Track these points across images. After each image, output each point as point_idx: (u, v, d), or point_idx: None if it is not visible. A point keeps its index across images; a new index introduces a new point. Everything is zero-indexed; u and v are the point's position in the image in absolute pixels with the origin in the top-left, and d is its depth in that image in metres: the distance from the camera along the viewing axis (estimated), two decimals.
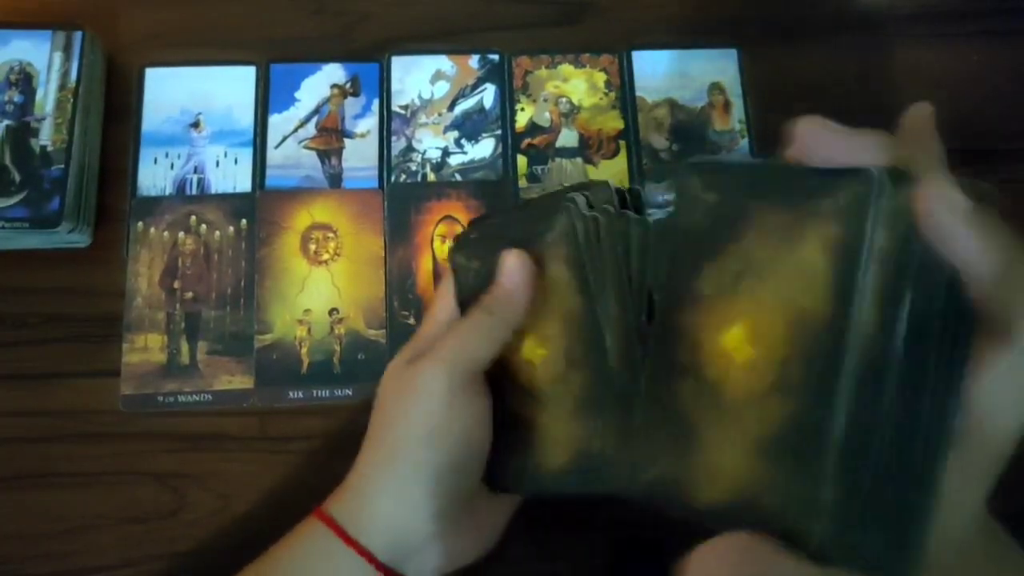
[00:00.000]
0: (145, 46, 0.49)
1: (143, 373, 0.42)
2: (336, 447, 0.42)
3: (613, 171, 0.47)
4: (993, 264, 0.24)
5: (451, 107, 0.49)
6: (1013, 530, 0.27)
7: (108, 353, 0.43)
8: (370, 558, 0.31)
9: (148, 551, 0.40)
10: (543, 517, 0.37)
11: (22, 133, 0.44)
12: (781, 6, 0.51)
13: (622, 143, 0.48)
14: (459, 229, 0.46)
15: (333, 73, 0.49)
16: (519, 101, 0.49)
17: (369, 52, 0.49)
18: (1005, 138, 0.49)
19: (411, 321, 0.44)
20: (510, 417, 0.34)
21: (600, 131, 0.48)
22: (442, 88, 0.49)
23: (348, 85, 0.49)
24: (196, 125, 0.47)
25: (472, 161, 0.48)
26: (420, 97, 0.49)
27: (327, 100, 0.48)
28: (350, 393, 0.43)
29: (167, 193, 0.46)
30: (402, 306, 0.44)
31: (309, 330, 0.44)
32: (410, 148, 0.48)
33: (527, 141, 0.48)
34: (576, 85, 0.49)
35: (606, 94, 0.49)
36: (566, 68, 0.50)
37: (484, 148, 0.48)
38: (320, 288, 0.44)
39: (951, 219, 0.24)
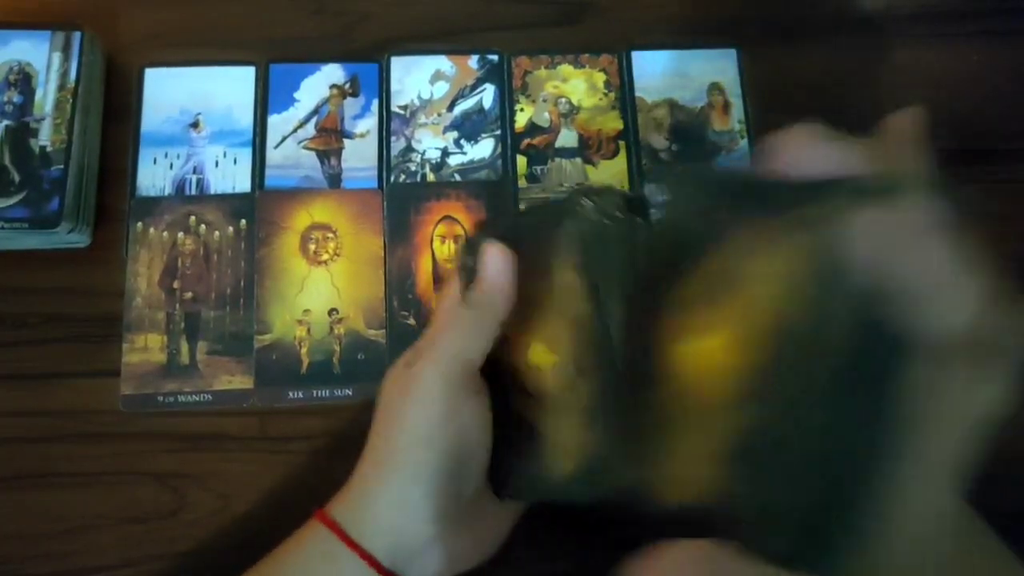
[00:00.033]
0: (145, 46, 0.49)
1: (143, 373, 0.43)
2: (336, 447, 0.42)
3: (613, 171, 0.47)
4: (927, 282, 0.24)
5: (450, 107, 0.49)
6: (1009, 529, 0.27)
7: (108, 353, 0.43)
8: (372, 561, 0.31)
9: (148, 551, 0.40)
10: (544, 517, 0.37)
11: (21, 133, 0.44)
12: (781, 6, 0.51)
13: (622, 143, 0.48)
14: (459, 229, 0.46)
15: (332, 73, 0.49)
16: (518, 101, 0.49)
17: (369, 52, 0.49)
18: (1005, 138, 0.49)
19: (411, 321, 0.44)
20: (515, 423, 0.34)
21: (600, 131, 0.48)
22: (441, 88, 0.49)
23: (347, 85, 0.49)
24: (195, 125, 0.47)
25: (472, 161, 0.48)
26: (419, 97, 0.49)
27: (326, 100, 0.48)
28: (350, 393, 0.43)
29: (166, 193, 0.46)
30: (402, 306, 0.44)
31: (309, 330, 0.44)
32: (409, 148, 0.48)
33: (526, 141, 0.48)
34: (576, 85, 0.49)
35: (606, 94, 0.49)
36: (566, 68, 0.50)
37: (483, 148, 0.48)
38: (320, 288, 0.44)
39: (882, 242, 0.24)
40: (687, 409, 0.27)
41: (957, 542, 0.26)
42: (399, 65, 0.49)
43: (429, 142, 0.48)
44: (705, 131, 0.48)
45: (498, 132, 0.48)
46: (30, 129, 0.44)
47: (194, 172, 0.46)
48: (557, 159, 0.48)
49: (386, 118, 0.48)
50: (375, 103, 0.48)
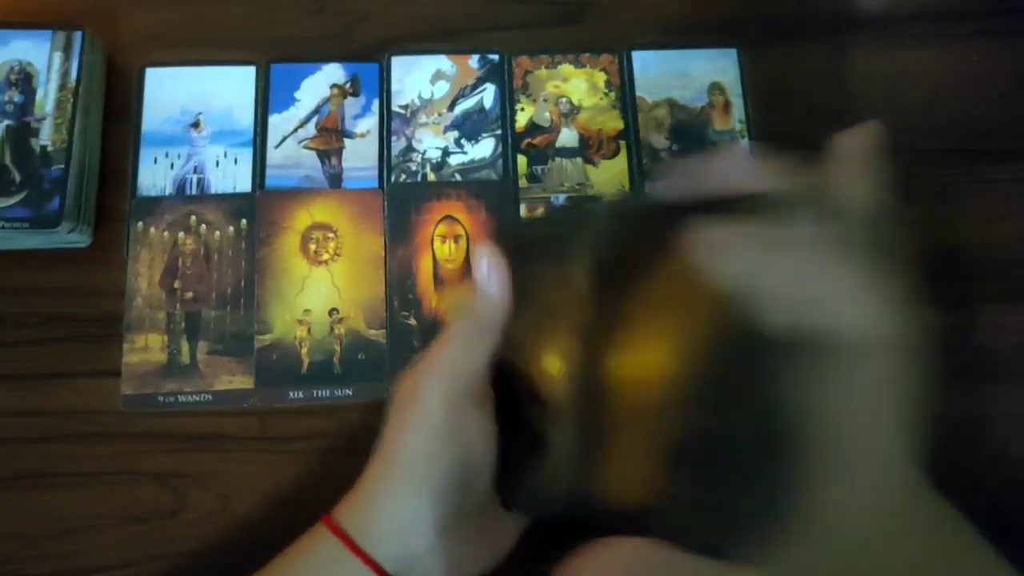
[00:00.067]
0: (145, 46, 0.49)
1: (143, 373, 0.42)
2: (336, 447, 0.42)
3: (613, 171, 0.47)
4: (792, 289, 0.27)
5: (451, 107, 0.49)
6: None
7: (108, 353, 0.43)
8: (377, 568, 0.31)
9: (148, 551, 0.40)
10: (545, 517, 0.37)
11: (22, 133, 0.44)
12: (781, 6, 0.51)
13: (622, 143, 0.48)
14: (459, 229, 0.46)
15: (333, 73, 0.49)
16: (519, 101, 0.49)
17: (369, 52, 0.49)
18: (1005, 138, 0.49)
19: (411, 321, 0.44)
20: (527, 433, 0.34)
21: (600, 131, 0.48)
22: (442, 88, 0.49)
23: (348, 85, 0.49)
24: (196, 125, 0.47)
25: (472, 161, 0.48)
26: (420, 97, 0.49)
27: (327, 100, 0.48)
28: (350, 393, 0.43)
29: (167, 193, 0.46)
30: (402, 306, 0.44)
31: (309, 330, 0.44)
32: (410, 148, 0.48)
33: (527, 141, 0.48)
34: (576, 85, 0.49)
35: (606, 94, 0.49)
36: (566, 68, 0.50)
37: (484, 148, 0.48)
38: (320, 288, 0.44)
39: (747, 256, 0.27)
40: (628, 416, 0.30)
41: (920, 532, 0.27)
42: (399, 65, 0.49)
43: (430, 142, 0.48)
44: (705, 131, 0.48)
45: (499, 132, 0.48)
46: (31, 129, 0.44)
47: (195, 172, 0.46)
48: (558, 159, 0.48)
49: (387, 118, 0.48)
50: (376, 103, 0.48)
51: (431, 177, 0.47)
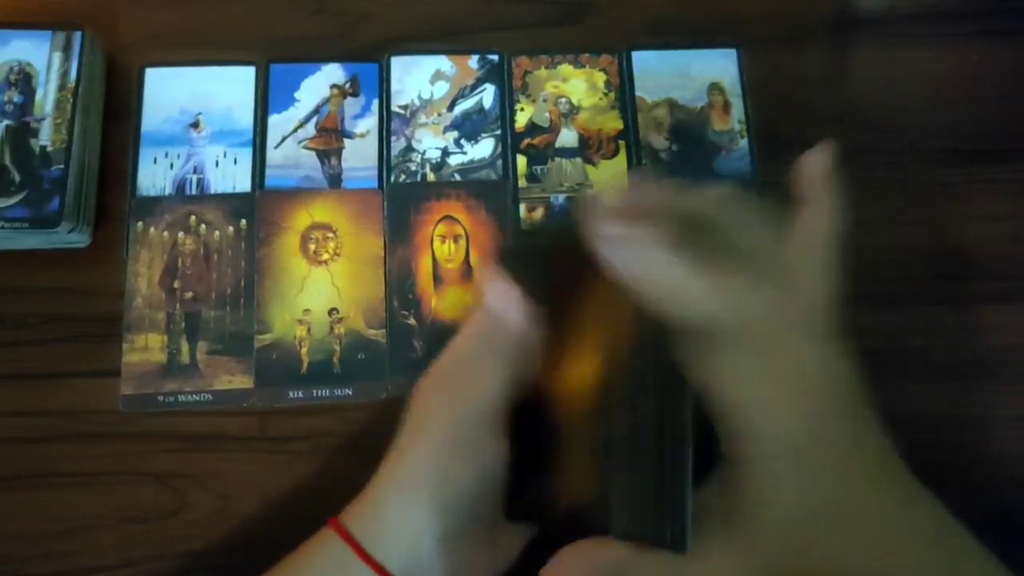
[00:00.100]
0: (145, 46, 0.49)
1: (143, 373, 0.43)
2: (336, 447, 0.42)
3: (613, 171, 0.47)
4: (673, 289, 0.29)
5: (451, 107, 0.49)
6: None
7: (108, 353, 0.43)
8: (384, 574, 0.31)
9: (148, 551, 0.40)
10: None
11: (22, 133, 0.44)
12: (781, 6, 0.51)
13: (622, 143, 0.48)
14: (459, 229, 0.46)
15: (333, 73, 0.49)
16: (519, 101, 0.49)
17: (369, 52, 0.49)
18: (1005, 138, 0.49)
19: (411, 321, 0.44)
20: (542, 447, 0.34)
21: (600, 131, 0.48)
22: (442, 88, 0.49)
23: (348, 85, 0.49)
24: (196, 125, 0.47)
25: (472, 161, 0.48)
26: (420, 97, 0.49)
27: (327, 100, 0.48)
28: (350, 393, 0.43)
29: (167, 193, 0.46)
30: (402, 306, 0.44)
31: (309, 330, 0.44)
32: (410, 148, 0.48)
33: (527, 141, 0.48)
34: (576, 85, 0.49)
35: (606, 94, 0.49)
36: (566, 68, 0.50)
37: (484, 148, 0.48)
38: (320, 288, 0.44)
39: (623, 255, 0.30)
40: (570, 424, 0.32)
41: (876, 508, 0.27)
42: (399, 65, 0.49)
43: (429, 142, 0.48)
44: (705, 131, 0.48)
45: (498, 132, 0.48)
46: (30, 129, 0.44)
47: (194, 172, 0.46)
48: (557, 159, 0.48)
49: (386, 118, 0.48)
50: (375, 103, 0.48)
51: (431, 177, 0.47)
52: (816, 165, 0.32)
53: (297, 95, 0.48)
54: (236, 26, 0.50)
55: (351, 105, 0.48)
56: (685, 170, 0.47)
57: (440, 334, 0.43)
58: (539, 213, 0.46)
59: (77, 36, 0.46)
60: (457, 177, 0.47)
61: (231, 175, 0.46)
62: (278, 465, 0.42)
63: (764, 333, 0.28)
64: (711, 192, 0.32)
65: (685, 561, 0.27)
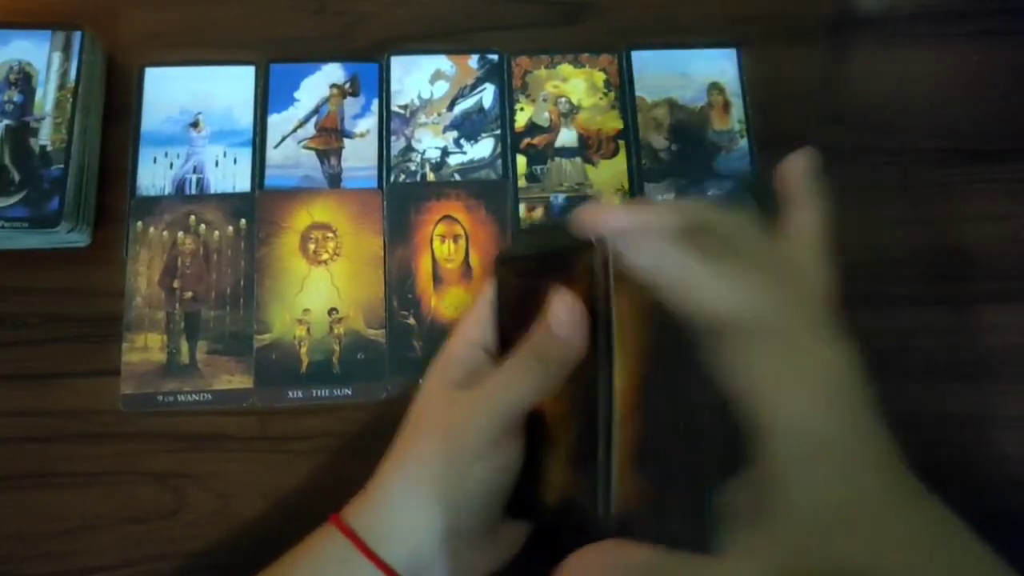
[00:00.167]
0: (145, 46, 0.49)
1: (143, 373, 0.43)
2: (336, 447, 0.42)
3: (612, 171, 0.47)
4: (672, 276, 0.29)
5: (450, 107, 0.49)
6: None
7: (108, 353, 0.43)
8: (388, 570, 0.31)
9: (148, 551, 0.40)
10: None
11: (22, 133, 0.44)
12: (781, 6, 0.51)
13: (621, 143, 0.48)
14: (459, 229, 0.46)
15: (332, 73, 0.49)
16: (518, 101, 0.49)
17: (369, 52, 0.49)
18: (1005, 138, 0.49)
19: (411, 321, 0.44)
20: (536, 446, 0.34)
21: (599, 131, 0.48)
22: (441, 88, 0.49)
23: (347, 85, 0.49)
24: (195, 125, 0.47)
25: (471, 161, 0.48)
26: (419, 97, 0.49)
27: (326, 100, 0.48)
28: (349, 393, 0.43)
29: (166, 193, 0.46)
30: (401, 306, 0.44)
31: (308, 330, 0.44)
32: (409, 148, 0.48)
33: (526, 141, 0.48)
34: (575, 85, 0.49)
35: (605, 94, 0.49)
36: (565, 68, 0.50)
37: (483, 148, 0.48)
38: (319, 288, 0.44)
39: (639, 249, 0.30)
40: (605, 430, 0.32)
41: (891, 513, 0.27)
42: (399, 65, 0.49)
43: (429, 142, 0.48)
44: (705, 131, 0.48)
45: (498, 132, 0.48)
46: (30, 128, 0.44)
47: (194, 172, 0.46)
48: (557, 159, 0.48)
49: (386, 118, 0.48)
50: (375, 103, 0.48)
51: (430, 177, 0.47)
52: (799, 166, 0.33)
53: (297, 95, 0.48)
54: (236, 26, 0.50)
55: (351, 105, 0.48)
56: (685, 170, 0.47)
57: (440, 334, 0.43)
58: (539, 213, 0.46)
59: (77, 36, 0.46)
60: (457, 177, 0.47)
61: (231, 175, 0.46)
62: (278, 465, 0.42)
63: (781, 330, 0.28)
64: (702, 202, 0.33)
65: (710, 560, 0.27)
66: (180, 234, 0.45)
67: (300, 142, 0.47)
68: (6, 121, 0.44)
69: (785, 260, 0.31)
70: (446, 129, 0.48)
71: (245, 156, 0.47)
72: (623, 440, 0.30)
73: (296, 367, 0.43)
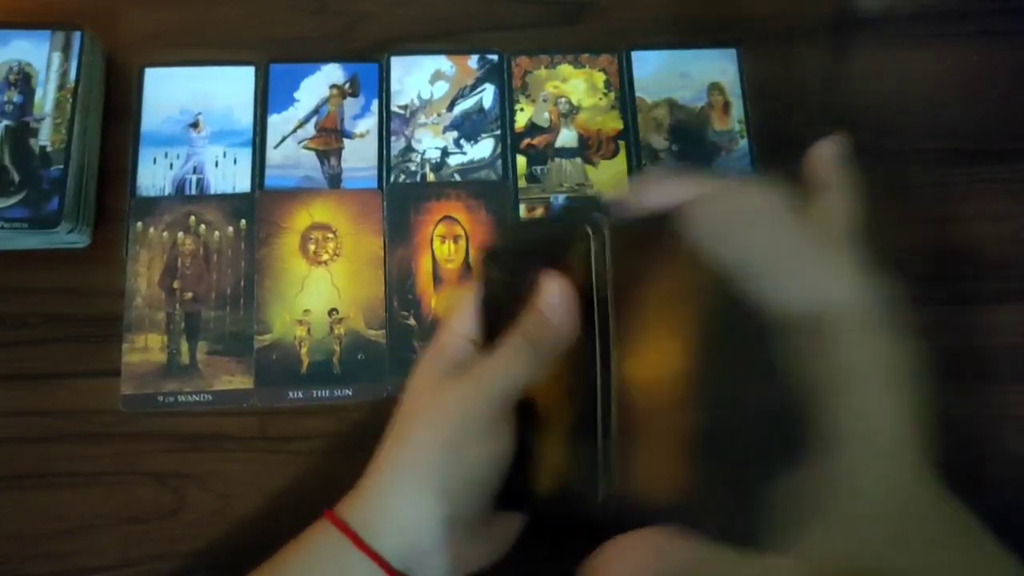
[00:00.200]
0: (145, 46, 0.49)
1: (143, 373, 0.43)
2: (336, 447, 0.42)
3: (612, 171, 0.47)
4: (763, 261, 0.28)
5: (450, 107, 0.49)
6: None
7: (108, 353, 0.43)
8: (382, 563, 0.31)
9: (148, 551, 0.40)
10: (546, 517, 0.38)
11: (21, 133, 0.44)
12: (781, 6, 0.51)
13: (621, 143, 0.48)
14: (459, 229, 0.46)
15: (332, 73, 0.49)
16: (518, 101, 0.49)
17: (369, 52, 0.49)
18: (1005, 138, 0.49)
19: (411, 321, 0.44)
20: (528, 436, 0.34)
21: (599, 131, 0.48)
22: (441, 88, 0.49)
23: (347, 85, 0.49)
24: (195, 125, 0.47)
25: (471, 161, 0.48)
26: (419, 97, 0.49)
27: (326, 100, 0.48)
28: (350, 393, 0.43)
29: (166, 193, 0.46)
30: (402, 306, 0.44)
31: (309, 330, 0.44)
32: (409, 148, 0.48)
33: (526, 141, 0.48)
34: (575, 85, 0.49)
35: (605, 94, 0.49)
36: (565, 68, 0.50)
37: (483, 148, 0.48)
38: (319, 288, 0.44)
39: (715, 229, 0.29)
40: (642, 418, 0.30)
41: (938, 525, 0.27)
42: (399, 65, 0.49)
43: (429, 142, 0.48)
44: (705, 131, 0.48)
45: (498, 132, 0.48)
46: (30, 129, 0.44)
47: (194, 172, 0.46)
48: (557, 159, 0.48)
49: (386, 118, 0.48)
50: (375, 103, 0.48)
51: (430, 177, 0.47)
52: (829, 151, 0.32)
53: (297, 95, 0.48)
54: (236, 26, 0.50)
55: (351, 105, 0.48)
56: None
57: None
58: (539, 213, 0.46)
59: (77, 36, 0.46)
60: (457, 177, 0.47)
61: (231, 175, 0.46)
62: (278, 465, 0.42)
63: (851, 325, 0.27)
64: (731, 181, 0.31)
65: (766, 558, 0.26)
66: (180, 234, 0.45)
67: (300, 142, 0.47)
68: (6, 121, 0.44)
69: (832, 248, 0.29)
70: (446, 129, 0.48)
71: (245, 156, 0.47)
72: (678, 428, 0.29)
73: (296, 367, 0.43)
